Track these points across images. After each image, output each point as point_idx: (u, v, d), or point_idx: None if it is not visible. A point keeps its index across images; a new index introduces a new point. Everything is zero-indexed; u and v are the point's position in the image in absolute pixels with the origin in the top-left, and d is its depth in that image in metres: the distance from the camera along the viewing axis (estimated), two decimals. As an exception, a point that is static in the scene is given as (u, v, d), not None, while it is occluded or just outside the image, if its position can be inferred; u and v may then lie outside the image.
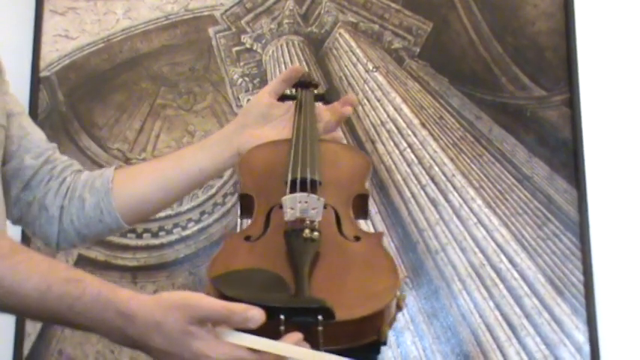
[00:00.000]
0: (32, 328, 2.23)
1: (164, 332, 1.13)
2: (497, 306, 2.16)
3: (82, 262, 2.20)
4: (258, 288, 1.18)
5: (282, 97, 1.65)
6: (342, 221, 1.40)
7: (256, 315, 1.10)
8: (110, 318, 1.16)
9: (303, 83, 1.67)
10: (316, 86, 1.69)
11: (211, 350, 1.12)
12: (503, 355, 2.14)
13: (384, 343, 1.21)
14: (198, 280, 2.19)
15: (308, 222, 1.33)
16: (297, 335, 1.11)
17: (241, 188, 1.50)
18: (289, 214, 1.35)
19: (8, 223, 1.53)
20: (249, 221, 1.42)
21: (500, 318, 2.16)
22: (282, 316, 1.12)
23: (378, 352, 1.23)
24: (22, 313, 1.25)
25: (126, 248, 2.21)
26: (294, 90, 1.67)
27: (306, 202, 1.36)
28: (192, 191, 1.74)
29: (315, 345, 1.13)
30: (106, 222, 1.57)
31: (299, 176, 1.42)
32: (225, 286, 1.17)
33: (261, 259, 1.31)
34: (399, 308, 1.26)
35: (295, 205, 1.36)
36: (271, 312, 1.12)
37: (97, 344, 2.21)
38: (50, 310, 1.19)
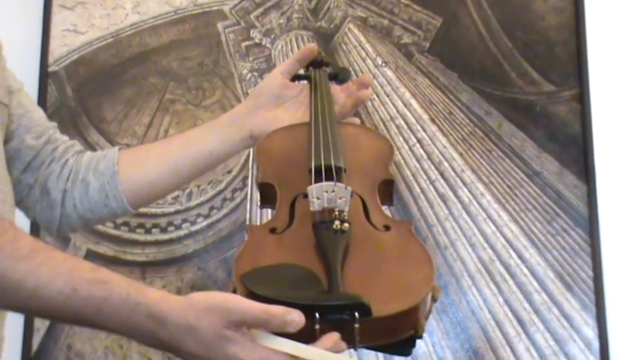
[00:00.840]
0: (41, 323, 2.23)
1: (198, 336, 1.08)
2: (507, 302, 2.16)
3: (91, 257, 2.20)
4: (289, 285, 1.13)
5: (295, 78, 1.59)
6: (370, 209, 1.34)
7: (296, 319, 1.05)
8: (140, 321, 1.11)
9: (315, 62, 1.61)
10: (328, 65, 1.63)
11: (248, 355, 1.07)
12: (513, 350, 2.14)
13: (421, 337, 1.17)
14: (207, 276, 2.19)
15: (337, 212, 1.27)
16: (335, 336, 1.07)
17: (261, 177, 1.43)
18: (316, 204, 1.30)
19: None
20: (271, 211, 1.38)
21: (509, 314, 2.15)
22: (317, 315, 1.08)
23: (413, 346, 1.18)
24: (46, 316, 1.19)
25: (135, 243, 2.21)
26: (306, 70, 1.61)
27: (333, 191, 1.31)
28: (202, 174, 1.65)
29: (351, 342, 1.09)
30: (111, 206, 1.52)
31: (323, 163, 1.37)
32: (255, 285, 1.13)
33: (290, 252, 1.25)
34: (434, 300, 1.21)
35: (322, 194, 1.31)
36: (306, 310, 1.07)
37: (106, 339, 2.21)
38: (76, 313, 1.13)
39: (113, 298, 1.12)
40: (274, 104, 1.56)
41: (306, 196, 1.34)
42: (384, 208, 1.37)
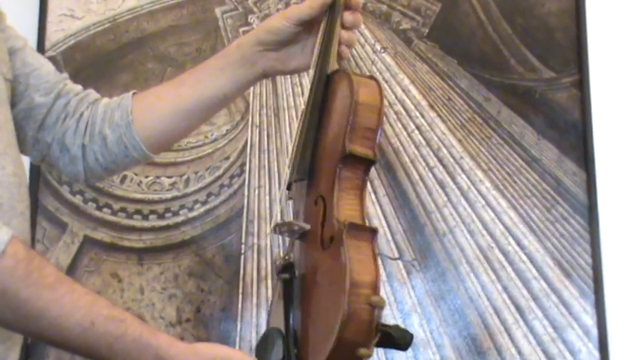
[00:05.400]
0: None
1: None
2: (505, 289, 2.16)
3: (89, 243, 2.20)
4: (266, 346, 1.28)
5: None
6: (328, 212, 1.28)
7: None
8: None
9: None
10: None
11: None
12: (511, 337, 2.13)
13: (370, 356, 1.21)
14: (204, 262, 2.19)
15: (281, 259, 1.34)
16: None
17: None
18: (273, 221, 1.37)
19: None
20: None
21: (507, 301, 2.15)
22: None
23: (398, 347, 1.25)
24: (58, 344, 1.22)
25: (132, 230, 2.21)
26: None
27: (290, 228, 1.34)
28: (216, 113, 1.65)
29: None
30: (132, 156, 1.51)
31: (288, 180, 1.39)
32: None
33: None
34: (375, 307, 1.18)
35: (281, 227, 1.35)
36: None
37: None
38: (89, 346, 1.18)
39: (127, 336, 1.17)
40: (286, 46, 1.50)
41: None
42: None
